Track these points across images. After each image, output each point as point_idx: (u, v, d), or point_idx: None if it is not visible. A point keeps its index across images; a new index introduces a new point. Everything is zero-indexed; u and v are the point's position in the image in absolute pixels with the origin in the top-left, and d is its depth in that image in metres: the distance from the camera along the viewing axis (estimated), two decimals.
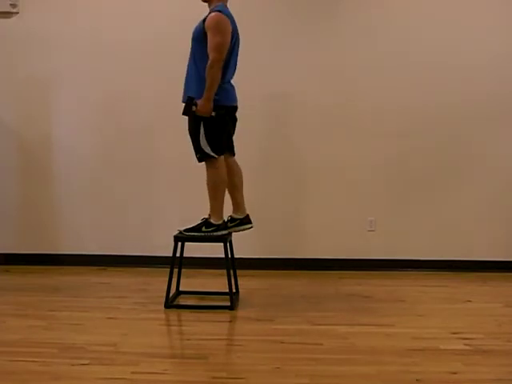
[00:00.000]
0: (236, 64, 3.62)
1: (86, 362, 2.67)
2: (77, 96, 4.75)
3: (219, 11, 3.44)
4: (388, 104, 4.62)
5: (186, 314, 3.50)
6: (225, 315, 3.44)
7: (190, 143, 3.57)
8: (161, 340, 3.08)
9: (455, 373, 2.55)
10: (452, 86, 4.60)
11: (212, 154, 3.50)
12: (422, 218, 4.67)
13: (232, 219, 3.70)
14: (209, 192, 3.58)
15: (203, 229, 3.59)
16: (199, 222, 3.63)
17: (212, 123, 3.46)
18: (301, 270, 4.57)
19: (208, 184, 3.57)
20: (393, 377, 2.52)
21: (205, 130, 3.48)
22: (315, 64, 4.63)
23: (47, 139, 4.78)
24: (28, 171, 4.82)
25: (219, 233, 3.60)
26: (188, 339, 3.13)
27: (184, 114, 3.49)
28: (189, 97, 3.46)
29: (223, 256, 3.57)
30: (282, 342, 3.01)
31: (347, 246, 4.70)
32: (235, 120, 3.68)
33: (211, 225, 3.59)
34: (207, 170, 3.56)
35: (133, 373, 2.54)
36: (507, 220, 4.65)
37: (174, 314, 3.53)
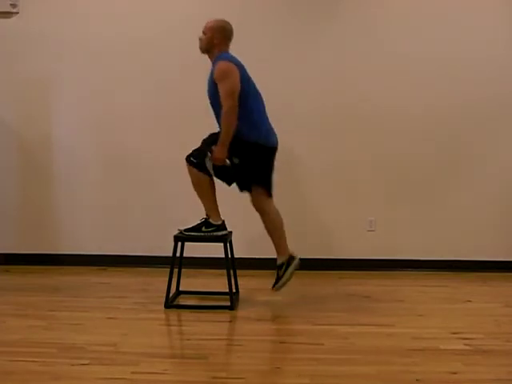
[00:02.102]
0: (262, 100, 3.59)
1: (86, 362, 2.67)
2: (77, 96, 4.75)
3: (223, 59, 3.47)
4: (388, 104, 4.62)
5: (186, 314, 3.50)
6: (225, 315, 3.44)
7: (191, 144, 3.57)
8: (161, 340, 3.08)
9: (455, 373, 2.55)
10: (452, 86, 4.60)
11: (211, 171, 3.51)
12: (422, 218, 4.67)
13: (279, 266, 3.64)
14: (197, 193, 3.59)
15: (203, 229, 3.59)
16: (199, 221, 3.63)
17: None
18: (301, 270, 4.56)
19: (193, 184, 3.57)
20: (393, 377, 2.52)
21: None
22: (315, 64, 4.63)
23: (47, 139, 4.78)
24: (28, 171, 4.82)
25: (219, 233, 3.60)
26: (188, 339, 3.13)
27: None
28: (205, 147, 3.48)
29: (223, 256, 3.57)
30: (282, 342, 3.01)
31: (347, 246, 4.70)
32: (270, 161, 3.61)
33: (211, 225, 3.59)
34: (189, 170, 3.55)
35: (133, 373, 2.54)
36: (507, 220, 4.65)
37: (173, 314, 3.53)
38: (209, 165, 3.49)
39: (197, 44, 3.57)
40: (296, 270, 3.62)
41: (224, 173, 3.54)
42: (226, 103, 3.39)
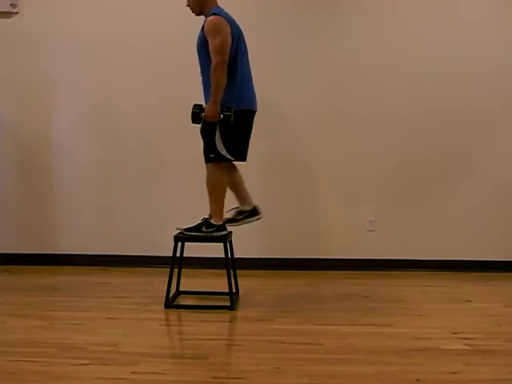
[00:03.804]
0: (248, 63, 3.60)
1: (86, 362, 2.67)
2: (77, 96, 4.75)
3: (215, 14, 3.44)
4: (388, 105, 4.62)
5: (186, 314, 3.51)
6: (225, 315, 3.44)
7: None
8: (161, 340, 3.08)
9: (455, 373, 2.55)
10: (452, 87, 4.60)
11: (228, 156, 3.50)
12: (422, 218, 4.67)
13: (241, 212, 3.68)
14: (209, 193, 3.57)
15: (203, 229, 3.59)
16: (199, 221, 3.63)
17: (226, 125, 3.43)
18: (301, 270, 4.57)
19: (208, 185, 3.56)
20: (393, 377, 2.52)
21: (220, 133, 3.46)
22: (316, 66, 4.63)
23: (47, 139, 4.78)
24: (28, 171, 4.82)
25: (219, 233, 3.60)
26: (188, 339, 3.13)
27: (194, 122, 3.48)
28: (195, 105, 3.45)
29: (223, 256, 3.57)
30: (282, 342, 3.01)
31: (347, 246, 4.70)
32: (250, 125, 3.61)
33: (211, 225, 3.59)
34: (209, 170, 3.55)
35: (133, 373, 2.54)
36: (507, 220, 4.65)
37: (174, 314, 3.53)
38: (223, 150, 3.47)
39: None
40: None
41: (237, 148, 3.52)
42: (215, 59, 3.35)
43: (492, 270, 4.58)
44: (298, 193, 4.69)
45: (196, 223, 3.62)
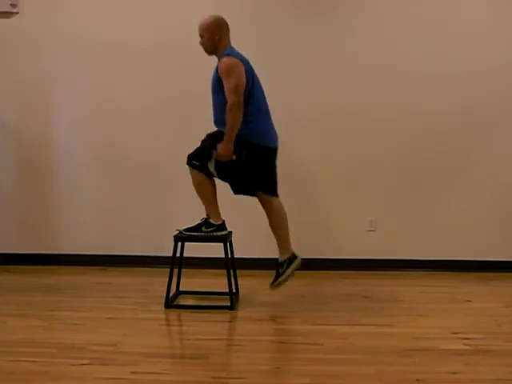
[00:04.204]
0: (265, 99, 3.58)
1: (86, 362, 2.67)
2: (77, 96, 4.75)
3: (228, 55, 3.44)
4: (388, 105, 4.62)
5: (186, 314, 3.51)
6: (225, 315, 3.44)
7: (191, 143, 3.57)
8: (161, 340, 3.08)
9: (455, 373, 2.55)
10: (453, 87, 4.60)
11: (214, 173, 3.51)
12: (422, 218, 4.67)
13: (280, 263, 3.63)
14: (199, 195, 3.59)
15: (203, 229, 3.59)
16: (199, 221, 3.63)
17: (239, 163, 3.45)
18: (301, 270, 4.56)
19: (195, 187, 3.58)
20: (393, 377, 2.52)
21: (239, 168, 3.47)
22: (314, 66, 4.63)
23: (47, 139, 4.78)
24: (28, 171, 4.82)
25: (219, 233, 3.60)
26: (188, 339, 3.13)
27: (205, 159, 3.50)
28: (210, 150, 3.45)
29: (223, 256, 3.57)
30: (282, 342, 3.01)
31: (347, 246, 4.70)
32: (268, 161, 3.58)
33: (211, 225, 3.59)
34: (193, 173, 3.56)
35: (133, 373, 2.54)
36: (507, 220, 4.65)
37: (174, 314, 3.53)
38: (212, 168, 3.48)
39: (196, 41, 3.56)
40: (296, 269, 3.62)
41: (229, 174, 3.52)
42: (230, 99, 3.36)
43: (492, 269, 4.58)
44: (297, 193, 4.69)
45: (196, 223, 3.62)
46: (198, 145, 3.61)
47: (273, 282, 3.64)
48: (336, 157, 4.67)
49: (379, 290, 4.04)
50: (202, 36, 3.53)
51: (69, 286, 4.16)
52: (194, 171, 3.54)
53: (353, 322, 3.31)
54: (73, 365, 2.63)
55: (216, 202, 3.60)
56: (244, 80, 3.41)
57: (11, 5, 4.67)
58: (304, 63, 4.63)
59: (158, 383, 2.47)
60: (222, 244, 3.57)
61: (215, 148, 3.45)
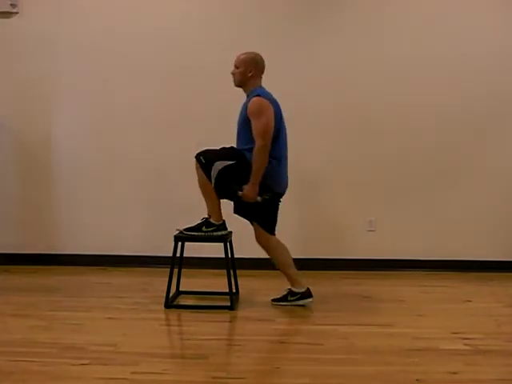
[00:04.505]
0: (286, 142, 3.60)
1: (86, 362, 2.67)
2: (77, 96, 4.75)
3: (259, 95, 3.44)
4: (388, 105, 4.63)
5: (186, 314, 3.50)
6: (225, 315, 3.44)
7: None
8: (161, 340, 3.08)
9: (455, 373, 2.55)
10: (452, 87, 4.60)
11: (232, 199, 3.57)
12: (422, 218, 4.67)
13: (292, 293, 3.66)
14: (202, 193, 3.58)
15: (203, 228, 3.59)
16: (199, 221, 3.63)
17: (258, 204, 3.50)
18: (301, 270, 4.56)
19: (200, 186, 3.57)
20: (393, 377, 2.52)
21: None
22: (315, 65, 4.63)
23: (47, 139, 4.78)
24: (28, 171, 4.82)
25: (219, 233, 3.60)
26: (188, 339, 3.13)
27: (229, 198, 3.56)
28: (234, 184, 3.47)
29: (223, 256, 3.57)
30: (282, 342, 3.01)
31: (347, 246, 4.70)
32: (275, 205, 3.66)
33: (211, 224, 3.59)
34: (199, 171, 3.55)
35: (133, 373, 2.54)
36: (507, 220, 4.65)
37: (174, 314, 3.53)
38: (215, 169, 3.48)
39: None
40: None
41: (244, 206, 3.56)
42: (258, 142, 3.38)
43: (492, 269, 4.58)
44: (297, 193, 4.68)
45: (196, 223, 3.62)
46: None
47: (275, 300, 3.66)
48: (336, 157, 4.67)
49: (379, 290, 4.04)
50: (236, 67, 3.55)
51: (69, 286, 4.16)
52: (200, 169, 3.54)
53: (353, 322, 3.31)
54: (73, 365, 2.63)
55: (218, 203, 3.60)
56: (273, 124, 3.42)
57: (11, 5, 4.67)
58: (304, 63, 4.63)
59: (157, 383, 2.47)
60: (222, 244, 3.57)
61: (235, 181, 3.47)
